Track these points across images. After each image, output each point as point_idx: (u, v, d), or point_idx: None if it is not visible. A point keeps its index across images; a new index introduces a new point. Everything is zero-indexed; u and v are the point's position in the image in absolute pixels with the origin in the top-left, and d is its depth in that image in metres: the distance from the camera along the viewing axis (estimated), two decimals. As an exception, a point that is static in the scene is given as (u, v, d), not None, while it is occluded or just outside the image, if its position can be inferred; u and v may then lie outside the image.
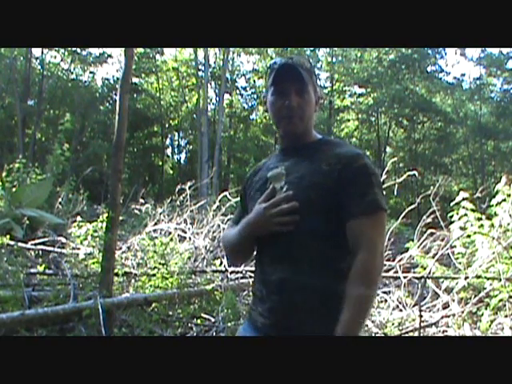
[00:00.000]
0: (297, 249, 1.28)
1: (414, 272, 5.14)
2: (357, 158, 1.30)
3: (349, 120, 23.99)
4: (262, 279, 1.37)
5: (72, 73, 20.58)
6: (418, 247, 5.26)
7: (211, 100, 22.72)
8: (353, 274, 1.21)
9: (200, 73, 20.68)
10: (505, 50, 20.65)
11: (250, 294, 5.45)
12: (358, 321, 1.19)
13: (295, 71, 1.35)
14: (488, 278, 4.29)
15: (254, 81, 24.16)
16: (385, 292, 5.06)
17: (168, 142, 25.91)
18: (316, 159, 1.33)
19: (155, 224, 6.55)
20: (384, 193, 1.33)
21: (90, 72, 20.93)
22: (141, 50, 19.47)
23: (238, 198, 1.63)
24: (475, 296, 4.30)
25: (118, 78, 18.13)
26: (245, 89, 24.74)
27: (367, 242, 1.22)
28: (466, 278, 4.37)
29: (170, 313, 4.42)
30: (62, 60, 19.59)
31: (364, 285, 1.19)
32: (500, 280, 4.05)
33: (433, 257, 4.84)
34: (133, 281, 5.04)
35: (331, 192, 1.26)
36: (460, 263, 4.74)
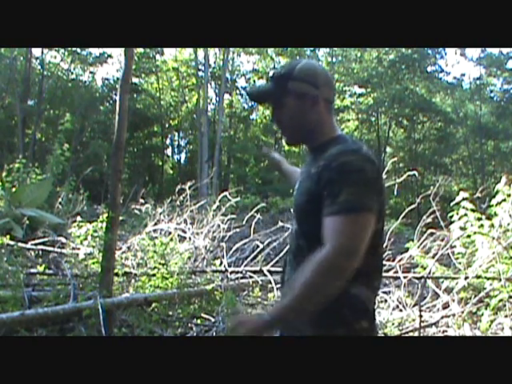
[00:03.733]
0: (297, 252, 1.33)
1: (414, 272, 5.14)
2: (338, 156, 1.22)
3: (349, 120, 23.98)
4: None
5: (72, 73, 20.56)
6: (418, 247, 5.26)
7: (211, 100, 22.74)
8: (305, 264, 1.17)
9: (200, 73, 20.69)
10: (505, 50, 20.66)
11: (250, 293, 5.36)
12: (290, 305, 1.16)
13: (256, 92, 1.43)
14: (488, 278, 4.29)
15: (254, 81, 24.14)
16: (385, 292, 5.05)
17: (168, 141, 25.93)
18: (314, 162, 1.32)
19: (155, 224, 6.54)
20: (370, 189, 1.20)
21: (90, 72, 20.92)
22: (141, 50, 19.46)
23: None
24: (475, 296, 4.30)
25: (117, 78, 18.13)
26: (245, 89, 24.74)
27: (330, 238, 1.15)
28: (466, 278, 4.37)
29: (170, 313, 4.42)
30: (61, 60, 19.57)
31: (309, 272, 1.14)
32: (500, 280, 4.05)
33: (433, 257, 4.83)
34: (133, 281, 5.03)
35: (314, 196, 1.24)
36: (460, 263, 4.74)
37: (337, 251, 1.13)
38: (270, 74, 1.44)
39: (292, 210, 1.43)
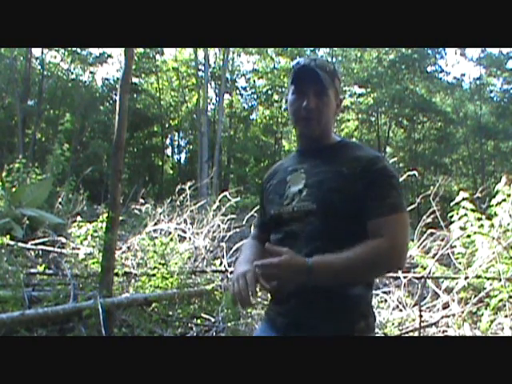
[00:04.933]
0: (317, 251, 1.25)
1: (414, 272, 5.13)
2: (376, 160, 1.31)
3: (349, 120, 23.99)
4: None
5: (72, 73, 20.59)
6: (418, 247, 5.26)
7: (211, 100, 22.76)
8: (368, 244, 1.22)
9: (200, 73, 20.70)
10: (505, 50, 20.67)
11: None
12: (334, 269, 1.21)
13: (315, 73, 1.34)
14: (488, 278, 4.28)
15: (254, 81, 24.18)
16: (385, 292, 5.05)
17: (168, 142, 25.96)
18: (335, 162, 1.34)
19: (155, 224, 6.54)
20: (402, 194, 1.34)
21: (90, 72, 20.94)
22: (141, 50, 19.47)
23: (258, 202, 1.65)
24: (475, 296, 4.30)
25: (117, 78, 18.14)
26: (245, 89, 24.76)
27: (388, 234, 1.23)
28: (466, 278, 4.36)
29: (170, 313, 4.42)
30: (61, 60, 19.59)
31: (366, 255, 1.20)
32: (500, 280, 4.04)
33: (433, 257, 4.83)
34: (133, 281, 5.03)
35: (352, 195, 1.27)
36: (460, 263, 4.73)
37: (395, 248, 1.23)
38: (317, 61, 1.39)
39: (292, 212, 1.35)
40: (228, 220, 6.74)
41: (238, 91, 24.54)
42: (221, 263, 5.72)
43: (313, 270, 1.18)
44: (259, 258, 1.34)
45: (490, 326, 3.92)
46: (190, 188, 7.22)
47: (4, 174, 7.63)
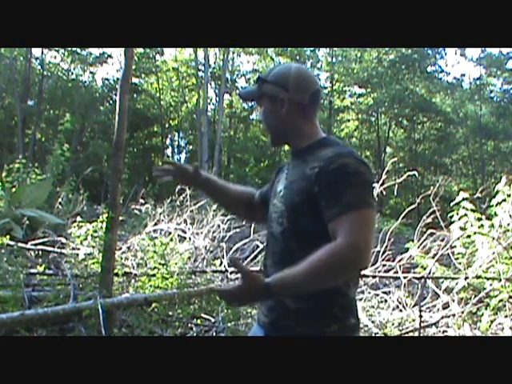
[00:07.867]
0: (290, 252, 1.30)
1: (414, 272, 5.13)
2: (336, 158, 1.25)
3: (349, 120, 23.97)
4: None
5: (72, 73, 20.55)
6: (418, 247, 5.26)
7: (211, 100, 22.74)
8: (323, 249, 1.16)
9: (200, 73, 20.69)
10: (505, 50, 20.67)
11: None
12: (295, 284, 1.16)
13: (245, 93, 1.53)
14: (488, 278, 4.29)
15: (254, 81, 24.15)
16: (385, 292, 5.05)
17: (168, 142, 25.93)
18: (305, 163, 1.34)
19: (155, 224, 6.54)
20: (370, 190, 1.27)
21: (90, 72, 20.91)
22: (141, 50, 19.46)
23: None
24: (475, 296, 4.30)
25: (117, 78, 18.13)
26: (245, 89, 24.74)
27: (343, 234, 1.17)
28: (466, 278, 4.36)
29: (170, 313, 4.41)
30: (61, 60, 19.56)
31: (322, 261, 1.15)
32: (500, 280, 4.05)
33: (433, 257, 4.83)
34: (133, 281, 5.03)
35: (312, 197, 1.26)
36: (460, 263, 4.73)
37: (351, 247, 1.15)
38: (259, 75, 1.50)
39: (274, 212, 1.39)
40: (228, 220, 6.74)
41: (238, 91, 24.52)
42: (221, 263, 5.71)
43: (272, 290, 1.16)
44: (235, 194, 1.65)
45: (490, 326, 3.92)
46: (190, 188, 7.21)
47: (4, 174, 7.62)
